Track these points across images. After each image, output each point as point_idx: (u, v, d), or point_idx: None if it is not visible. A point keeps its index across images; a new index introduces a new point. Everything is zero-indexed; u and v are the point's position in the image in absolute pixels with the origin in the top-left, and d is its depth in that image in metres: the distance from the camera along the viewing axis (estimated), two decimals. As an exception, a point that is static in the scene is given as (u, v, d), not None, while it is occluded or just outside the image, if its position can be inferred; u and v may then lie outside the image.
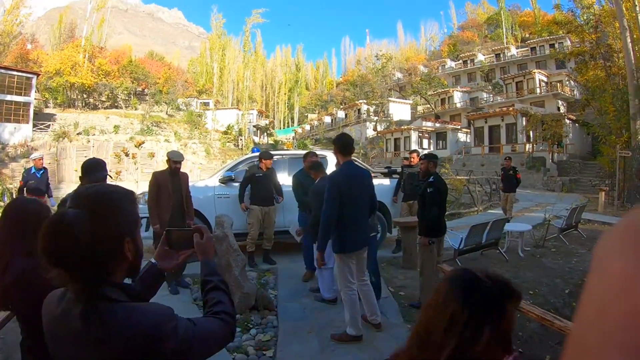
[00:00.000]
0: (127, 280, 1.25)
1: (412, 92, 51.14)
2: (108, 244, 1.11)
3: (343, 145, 4.11)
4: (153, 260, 1.48)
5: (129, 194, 1.24)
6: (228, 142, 43.52)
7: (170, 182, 5.53)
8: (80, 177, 3.06)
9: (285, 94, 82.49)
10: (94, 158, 3.29)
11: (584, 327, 0.34)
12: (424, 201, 5.18)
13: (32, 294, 1.79)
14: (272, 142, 47.74)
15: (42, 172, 8.79)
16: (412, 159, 7.93)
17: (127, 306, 1.10)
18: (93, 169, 3.05)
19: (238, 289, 4.53)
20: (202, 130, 43.87)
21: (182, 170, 5.82)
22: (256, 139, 48.61)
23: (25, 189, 8.55)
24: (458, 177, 17.38)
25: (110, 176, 3.37)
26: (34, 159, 8.83)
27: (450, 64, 61.24)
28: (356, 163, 4.80)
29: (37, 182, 8.62)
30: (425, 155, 5.57)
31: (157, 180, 5.55)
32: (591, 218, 12.18)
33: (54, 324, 1.14)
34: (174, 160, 5.59)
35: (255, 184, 6.64)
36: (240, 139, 44.03)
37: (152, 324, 1.08)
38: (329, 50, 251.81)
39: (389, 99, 51.12)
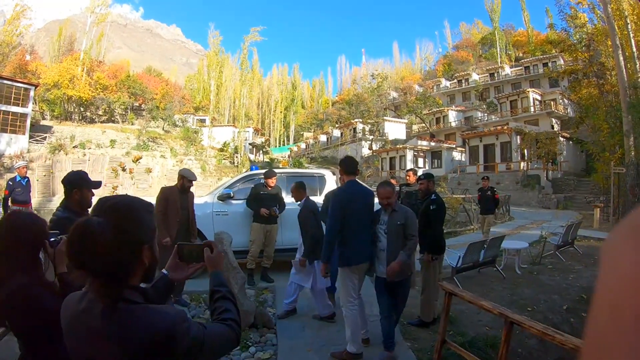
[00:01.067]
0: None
1: (408, 112, 51.60)
2: (127, 250, 1.20)
3: (348, 165, 4.44)
4: (164, 272, 1.56)
5: (148, 206, 1.34)
6: (224, 159, 43.52)
7: (179, 199, 5.54)
8: (73, 188, 2.85)
9: (281, 112, 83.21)
10: (78, 170, 3.15)
11: (598, 326, 0.34)
12: (428, 219, 5.28)
13: (28, 309, 1.83)
14: (267, 160, 47.86)
15: (26, 180, 9.04)
16: (408, 177, 7.98)
17: (144, 307, 1.20)
18: (85, 178, 2.94)
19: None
20: (198, 147, 43.89)
21: None
22: (252, 157, 48.70)
23: (10, 199, 8.69)
24: (454, 196, 17.45)
25: None
26: (18, 168, 9.23)
27: (445, 83, 61.96)
28: (359, 182, 4.92)
29: (23, 189, 8.81)
30: (425, 174, 5.76)
31: (166, 195, 5.54)
32: (587, 234, 12.25)
33: (74, 322, 1.22)
34: (189, 179, 5.62)
35: (260, 202, 6.66)
36: (236, 157, 44.06)
37: (167, 324, 1.16)
38: (325, 69, 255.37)
39: (385, 118, 51.53)
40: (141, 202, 1.34)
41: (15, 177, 8.96)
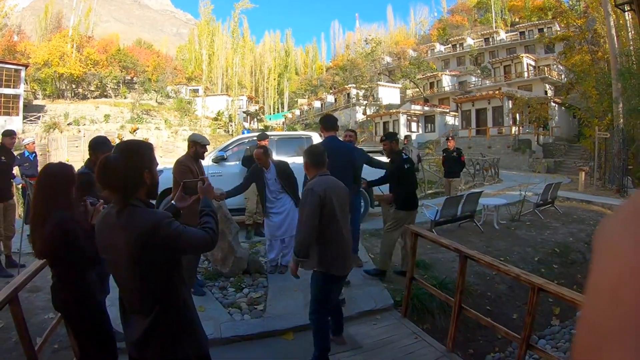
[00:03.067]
0: None
1: (401, 76, 51.18)
2: (133, 173, 1.87)
3: (327, 122, 4.95)
4: (173, 202, 2.20)
5: (148, 145, 2.07)
6: (218, 128, 43.72)
7: (196, 168, 4.75)
8: (93, 151, 3.60)
9: (274, 79, 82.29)
10: (102, 136, 3.92)
11: (597, 312, 0.33)
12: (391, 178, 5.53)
13: (66, 239, 2.38)
14: (262, 127, 47.95)
15: (34, 155, 9.47)
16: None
17: (143, 209, 1.87)
18: (106, 143, 3.69)
19: (231, 253, 5.01)
20: (192, 117, 44.00)
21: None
22: (246, 125, 48.74)
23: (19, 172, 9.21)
24: (441, 158, 17.86)
25: None
26: (27, 144, 9.60)
27: (439, 48, 61.25)
28: (339, 139, 5.24)
29: (31, 164, 9.26)
30: (386, 135, 5.78)
31: (187, 165, 4.65)
32: (570, 196, 12.70)
33: (102, 223, 1.95)
34: (203, 144, 4.88)
35: (253, 162, 7.09)
36: (231, 125, 44.16)
37: (155, 218, 1.83)
38: (318, 34, 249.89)
39: (378, 83, 51.14)
40: (143, 142, 2.10)
41: (24, 152, 9.40)
